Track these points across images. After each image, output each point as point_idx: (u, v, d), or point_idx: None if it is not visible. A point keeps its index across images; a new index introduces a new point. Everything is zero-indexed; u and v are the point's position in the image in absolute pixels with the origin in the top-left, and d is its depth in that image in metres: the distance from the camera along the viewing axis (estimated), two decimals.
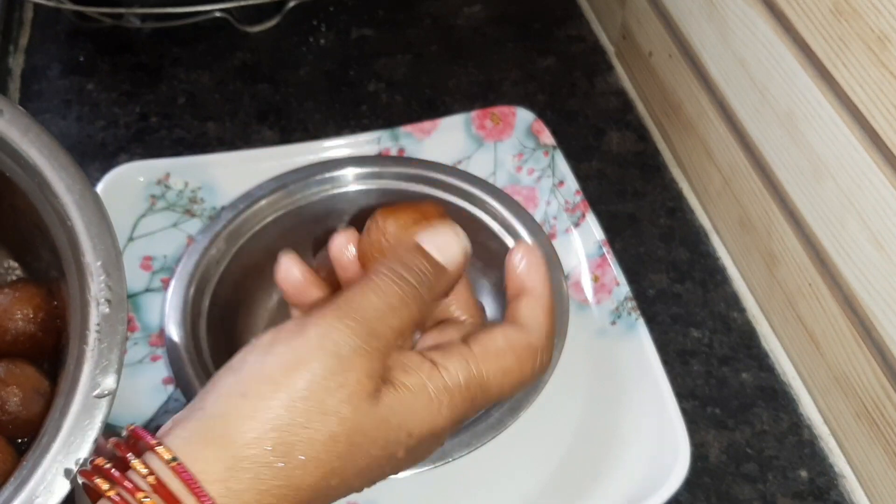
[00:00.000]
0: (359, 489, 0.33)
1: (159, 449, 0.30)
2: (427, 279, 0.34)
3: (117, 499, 0.29)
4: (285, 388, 0.31)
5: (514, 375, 0.35)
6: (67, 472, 0.35)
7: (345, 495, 0.33)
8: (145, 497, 0.29)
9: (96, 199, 0.41)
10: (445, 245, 0.35)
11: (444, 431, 0.34)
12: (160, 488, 0.29)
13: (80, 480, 0.32)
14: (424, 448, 0.34)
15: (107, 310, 0.38)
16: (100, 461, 0.31)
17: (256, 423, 0.30)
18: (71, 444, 0.36)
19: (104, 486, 0.30)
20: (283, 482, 0.30)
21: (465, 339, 0.35)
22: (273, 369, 0.31)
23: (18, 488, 0.34)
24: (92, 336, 0.37)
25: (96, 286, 0.38)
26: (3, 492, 0.35)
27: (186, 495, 0.29)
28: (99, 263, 0.39)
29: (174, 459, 0.29)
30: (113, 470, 0.30)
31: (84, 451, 0.35)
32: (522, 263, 0.37)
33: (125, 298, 0.38)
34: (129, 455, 0.30)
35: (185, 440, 0.30)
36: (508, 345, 0.35)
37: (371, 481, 0.33)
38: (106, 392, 0.37)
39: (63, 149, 0.42)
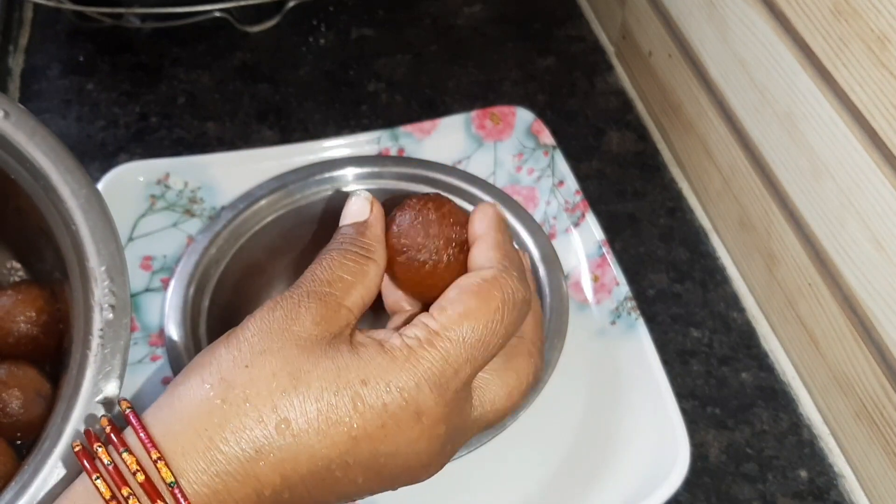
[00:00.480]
0: (327, 455, 0.31)
1: (122, 404, 0.32)
2: (349, 237, 0.36)
3: (77, 448, 0.32)
4: (234, 338, 0.32)
5: (480, 313, 0.33)
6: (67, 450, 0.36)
7: (311, 457, 0.31)
8: (98, 446, 0.31)
9: (101, 204, 0.41)
10: (352, 209, 0.37)
11: (415, 393, 0.31)
12: (114, 436, 0.31)
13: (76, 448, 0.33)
14: (396, 413, 0.31)
15: (110, 315, 0.38)
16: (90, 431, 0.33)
17: (202, 368, 0.32)
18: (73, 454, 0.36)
19: (76, 448, 0.32)
20: (221, 422, 0.30)
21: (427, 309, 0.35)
22: (228, 333, 0.33)
23: (20, 492, 0.35)
24: (95, 341, 0.38)
25: (100, 291, 0.39)
26: (4, 495, 0.35)
27: (136, 442, 0.31)
28: (103, 268, 0.39)
29: (129, 408, 0.32)
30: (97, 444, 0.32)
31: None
32: (473, 219, 0.37)
33: (129, 304, 0.39)
34: (104, 419, 0.33)
35: (153, 404, 0.32)
36: (462, 289, 0.34)
37: (336, 445, 0.31)
38: (108, 398, 0.37)
39: (69, 152, 0.42)
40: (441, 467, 0.35)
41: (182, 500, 0.29)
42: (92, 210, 0.40)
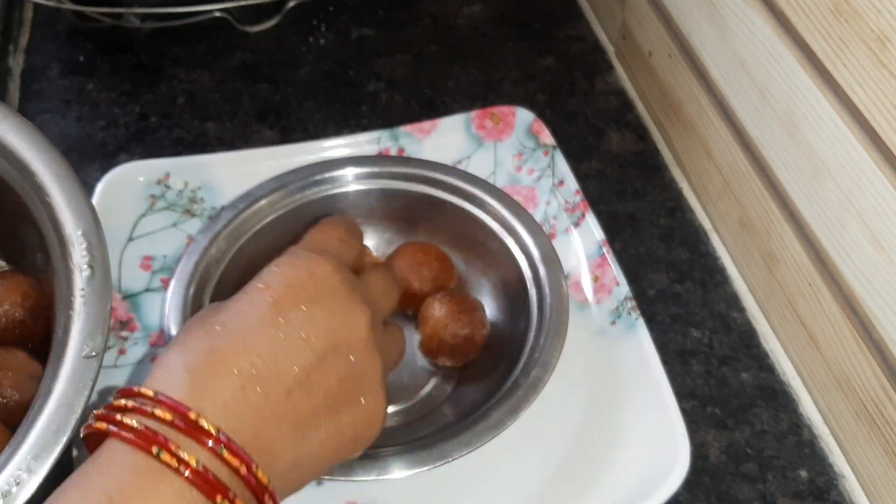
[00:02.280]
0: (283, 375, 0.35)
1: (143, 390, 0.33)
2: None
3: (114, 429, 0.31)
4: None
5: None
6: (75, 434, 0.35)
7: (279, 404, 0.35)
8: (138, 420, 0.32)
9: (70, 173, 0.42)
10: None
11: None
12: (151, 416, 0.32)
13: (83, 433, 0.33)
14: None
15: (89, 274, 0.39)
16: (101, 412, 0.33)
17: (201, 322, 0.36)
18: (65, 406, 0.36)
19: (103, 425, 0.32)
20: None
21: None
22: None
23: (17, 447, 0.35)
24: (77, 301, 0.39)
25: (78, 253, 0.40)
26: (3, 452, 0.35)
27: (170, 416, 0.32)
28: (80, 232, 0.40)
29: (157, 393, 0.33)
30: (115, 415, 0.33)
31: (78, 410, 0.36)
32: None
33: (107, 261, 0.40)
34: (122, 399, 0.33)
35: (160, 373, 0.34)
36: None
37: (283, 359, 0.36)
38: (94, 352, 0.37)
39: (32, 126, 0.43)
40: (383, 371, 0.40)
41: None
42: (64, 180, 0.42)
